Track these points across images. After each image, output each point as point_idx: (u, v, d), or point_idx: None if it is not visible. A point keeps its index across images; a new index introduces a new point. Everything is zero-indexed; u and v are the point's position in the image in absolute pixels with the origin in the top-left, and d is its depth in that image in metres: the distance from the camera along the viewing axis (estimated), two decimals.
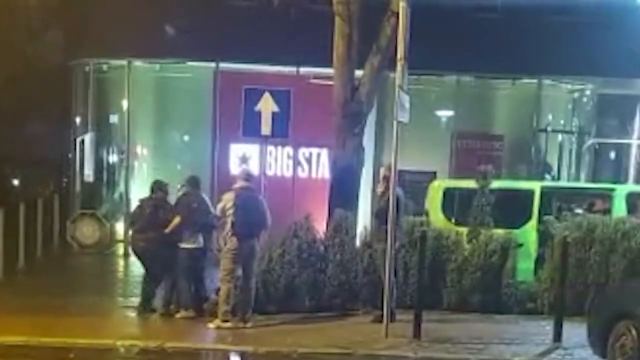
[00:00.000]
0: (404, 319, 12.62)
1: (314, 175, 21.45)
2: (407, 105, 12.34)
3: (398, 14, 12.41)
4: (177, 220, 13.37)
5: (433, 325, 12.73)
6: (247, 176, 13.28)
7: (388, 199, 12.40)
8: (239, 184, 13.09)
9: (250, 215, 12.83)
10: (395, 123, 12.07)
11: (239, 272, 12.94)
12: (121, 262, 19.78)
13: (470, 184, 15.53)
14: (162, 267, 13.63)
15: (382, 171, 13.43)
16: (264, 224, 13.07)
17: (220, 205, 13.00)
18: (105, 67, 22.81)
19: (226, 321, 12.77)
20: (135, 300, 14.16)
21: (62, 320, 12.82)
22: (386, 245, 12.28)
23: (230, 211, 12.75)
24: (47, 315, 13.04)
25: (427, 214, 15.94)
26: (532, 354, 11.66)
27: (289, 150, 21.23)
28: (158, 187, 13.97)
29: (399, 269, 13.63)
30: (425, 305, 12.55)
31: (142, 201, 14.06)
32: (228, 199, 12.88)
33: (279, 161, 21.31)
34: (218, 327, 12.73)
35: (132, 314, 13.80)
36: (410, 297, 13.40)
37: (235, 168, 20.16)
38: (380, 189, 13.35)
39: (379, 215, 13.04)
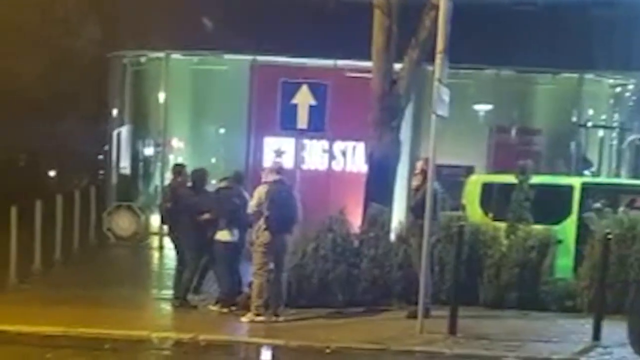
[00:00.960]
0: (439, 315, 12.49)
1: (349, 168, 21.35)
2: (447, 98, 12.20)
3: (438, 6, 12.29)
4: (207, 215, 13.36)
5: (469, 321, 12.54)
6: (279, 169, 13.16)
7: (424, 193, 12.25)
8: (271, 177, 12.97)
9: (283, 210, 12.72)
10: (433, 117, 11.92)
11: (271, 266, 12.85)
12: (156, 254, 19.82)
13: (509, 178, 15.32)
14: (193, 254, 13.63)
15: (418, 165, 13.28)
16: (296, 218, 12.99)
17: (253, 200, 12.87)
18: (142, 59, 22.85)
19: (259, 315, 12.70)
20: (170, 293, 14.12)
21: (97, 311, 12.82)
22: (422, 240, 12.14)
23: (264, 205, 12.64)
24: (83, 306, 13.05)
25: (464, 209, 15.78)
26: (571, 352, 11.44)
27: (324, 143, 21.14)
28: (178, 172, 13.98)
29: (435, 264, 13.49)
30: (461, 301, 12.32)
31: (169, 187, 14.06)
32: (261, 193, 12.76)
33: (314, 155, 21.21)
34: (251, 321, 12.66)
35: (167, 306, 13.79)
36: (446, 292, 13.23)
37: (269, 161, 20.08)
38: (415, 182, 13.21)
39: (415, 209, 12.91)
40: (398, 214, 15.45)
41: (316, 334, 11.98)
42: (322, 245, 13.83)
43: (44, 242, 16.31)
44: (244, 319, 12.76)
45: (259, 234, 12.71)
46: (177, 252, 13.94)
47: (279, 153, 20.36)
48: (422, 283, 12.14)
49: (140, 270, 17.67)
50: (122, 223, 20.99)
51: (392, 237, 14.29)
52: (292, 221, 12.95)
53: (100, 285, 15.07)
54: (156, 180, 22.93)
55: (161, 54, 21.84)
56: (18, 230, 14.91)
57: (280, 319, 12.79)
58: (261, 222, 12.66)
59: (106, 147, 24.52)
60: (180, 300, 13.66)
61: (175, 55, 22.00)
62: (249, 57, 21.24)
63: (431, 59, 12.54)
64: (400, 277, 13.89)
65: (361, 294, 13.91)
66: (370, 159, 15.85)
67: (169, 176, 14.93)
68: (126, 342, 11.49)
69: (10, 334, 11.45)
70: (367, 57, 15.58)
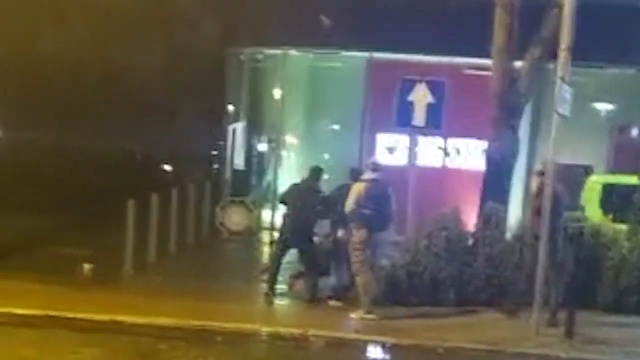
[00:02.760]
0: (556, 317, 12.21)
1: (463, 166, 21.08)
2: (569, 97, 11.92)
3: (562, 4, 12.10)
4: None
5: (587, 325, 12.19)
6: (376, 167, 13.08)
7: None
8: (368, 175, 12.92)
9: (380, 208, 12.67)
10: (555, 116, 11.65)
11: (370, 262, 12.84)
12: (267, 250, 19.89)
13: (631, 179, 14.90)
14: (312, 254, 13.68)
15: (538, 167, 13.12)
16: (392, 216, 12.94)
17: (350, 198, 12.76)
18: (260, 56, 23.01)
19: (370, 312, 12.60)
20: (281, 288, 14.12)
21: (209, 304, 12.92)
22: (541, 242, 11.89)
23: (361, 203, 12.59)
24: (195, 298, 13.15)
25: (583, 210, 15.38)
26: None
27: (439, 141, 20.91)
28: (317, 174, 13.97)
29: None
30: (579, 304, 12.03)
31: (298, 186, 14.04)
32: (359, 190, 12.70)
33: (429, 152, 20.98)
34: (362, 318, 12.57)
35: (278, 301, 13.76)
36: (563, 295, 12.86)
37: (383, 158, 19.98)
38: (536, 184, 13.01)
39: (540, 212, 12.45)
40: (514, 213, 15.14)
41: (428, 333, 11.84)
42: (435, 243, 13.65)
43: (159, 235, 16.52)
44: (354, 316, 12.68)
45: (356, 232, 12.67)
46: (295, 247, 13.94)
47: (392, 150, 20.30)
48: (538, 285, 11.87)
49: (251, 265, 17.73)
50: (235, 218, 21.14)
51: (509, 236, 13.97)
52: (388, 219, 12.91)
53: (212, 279, 15.23)
54: (269, 177, 23.03)
55: (279, 51, 21.95)
56: (135, 223, 15.13)
57: (374, 316, 12.66)
58: (358, 220, 12.62)
59: (221, 143, 24.75)
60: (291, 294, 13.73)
61: (293, 52, 22.08)
62: (366, 54, 21.15)
63: (552, 57, 12.29)
64: (515, 277, 13.55)
65: (474, 293, 13.68)
66: (488, 157, 15.61)
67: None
68: (238, 335, 11.55)
69: (126, 324, 11.63)
70: (486, 55, 15.35)
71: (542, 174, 12.62)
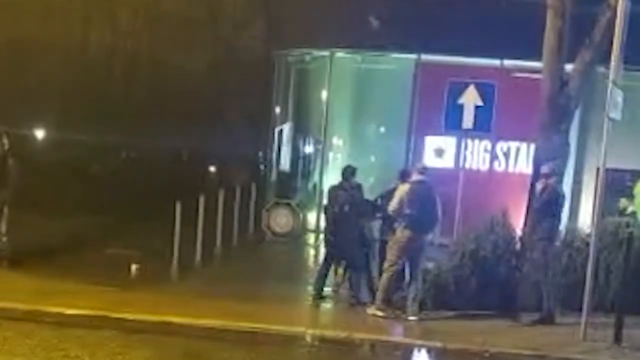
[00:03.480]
0: (604, 322, 12.11)
1: (511, 169, 20.93)
2: (620, 101, 11.83)
3: (614, 7, 12.07)
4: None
5: (636, 331, 12.07)
6: (423, 170, 13.19)
7: (548, 196, 12.78)
8: (415, 177, 13.06)
9: (424, 209, 12.79)
10: (606, 119, 11.54)
11: (401, 264, 12.97)
12: (312, 252, 19.91)
13: None
14: (354, 255, 13.67)
15: (544, 169, 13.30)
16: (437, 218, 13.07)
17: (395, 199, 12.91)
18: (307, 57, 23.00)
19: (381, 310, 12.84)
20: (326, 290, 14.12)
21: (254, 306, 12.95)
22: (545, 244, 12.22)
23: (405, 204, 12.73)
24: (240, 300, 13.20)
25: (634, 215, 15.20)
26: None
27: (486, 143, 20.78)
28: (351, 173, 13.90)
29: (600, 271, 13.02)
30: (628, 309, 11.90)
31: (335, 188, 14.02)
32: (404, 191, 12.84)
33: (476, 155, 20.88)
34: (373, 315, 12.78)
35: (323, 303, 13.81)
36: (611, 300, 12.77)
37: (430, 161, 19.92)
38: (540, 185, 13.20)
39: (538, 211, 13.05)
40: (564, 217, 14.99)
41: (474, 337, 11.80)
42: (483, 247, 13.55)
43: (206, 237, 16.59)
44: (368, 311, 12.90)
45: (398, 232, 12.82)
46: (337, 251, 13.92)
47: (439, 152, 20.22)
48: (587, 289, 11.77)
49: (296, 267, 17.77)
50: (280, 220, 21.13)
51: (557, 241, 13.86)
52: (432, 221, 13.05)
53: (257, 281, 15.30)
54: (315, 178, 23.02)
55: (326, 53, 21.92)
56: (181, 224, 15.22)
57: (414, 317, 12.76)
58: (402, 221, 12.75)
59: (267, 144, 24.81)
60: (356, 298, 13.70)
61: (340, 54, 22.04)
62: (414, 56, 21.08)
63: (603, 61, 12.19)
64: (563, 282, 13.44)
65: (521, 297, 13.55)
66: (537, 161, 15.48)
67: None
68: (283, 338, 11.61)
69: (174, 325, 11.71)
70: (535, 57, 15.21)
71: (547, 176, 13.00)
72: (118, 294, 13.12)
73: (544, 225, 12.78)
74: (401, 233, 12.78)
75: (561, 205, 13.05)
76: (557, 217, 12.98)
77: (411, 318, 12.75)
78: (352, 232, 13.57)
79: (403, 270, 13.22)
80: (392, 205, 12.89)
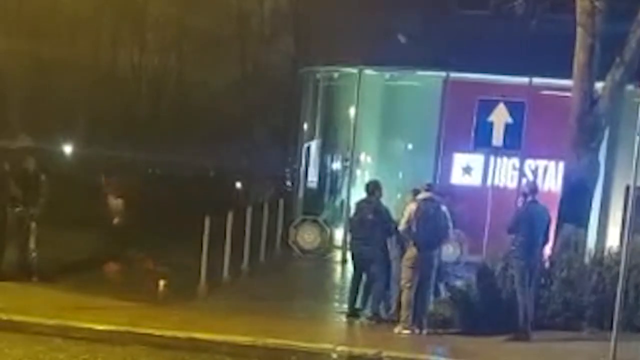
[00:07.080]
0: (634, 341, 12.01)
1: (540, 187, 20.80)
2: None
3: None
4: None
5: None
6: (428, 187, 13.35)
7: (519, 214, 12.87)
8: (421, 195, 13.15)
9: (430, 226, 12.86)
10: (637, 138, 11.44)
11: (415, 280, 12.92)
12: (338, 268, 19.88)
13: None
14: (376, 271, 13.66)
15: (523, 187, 13.60)
16: (445, 235, 13.21)
17: (404, 217, 13.00)
18: (335, 74, 23.02)
19: (406, 328, 12.79)
20: (355, 307, 14.05)
21: (282, 323, 12.97)
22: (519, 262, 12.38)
23: (412, 222, 12.82)
24: (268, 316, 13.20)
25: None
26: None
27: (515, 161, 20.70)
28: (374, 187, 13.91)
29: (630, 289, 12.89)
30: None
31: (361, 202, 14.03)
32: (410, 209, 12.93)
33: (504, 172, 20.79)
34: (399, 333, 12.74)
35: (350, 320, 13.76)
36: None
37: (457, 178, 19.87)
38: (520, 204, 13.26)
39: (511, 229, 12.92)
40: (593, 236, 14.90)
41: (505, 356, 11.78)
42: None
43: (233, 252, 16.60)
44: (395, 330, 12.84)
45: (408, 251, 12.94)
46: (362, 267, 13.90)
47: (467, 170, 20.18)
48: (617, 309, 11.64)
49: (323, 284, 17.75)
50: (308, 236, 21.14)
51: (586, 260, 13.77)
52: (440, 238, 13.16)
53: (284, 297, 15.28)
54: (342, 195, 23.01)
55: (354, 70, 21.93)
56: (209, 240, 15.25)
57: (424, 331, 12.80)
58: (409, 238, 12.91)
59: (295, 161, 24.84)
60: (373, 315, 13.64)
61: (368, 71, 22.04)
62: (442, 74, 21.05)
63: (634, 79, 12.11)
64: (593, 301, 13.32)
65: (550, 317, 13.44)
66: (566, 179, 15.42)
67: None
68: (311, 355, 11.55)
69: (201, 341, 11.68)
70: (564, 76, 15.16)
71: (525, 194, 13.06)
72: (146, 309, 13.17)
73: (516, 243, 12.74)
74: (410, 251, 12.91)
75: (531, 226, 12.74)
76: (530, 236, 12.72)
77: (405, 331, 12.79)
78: (375, 245, 13.61)
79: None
80: (402, 224, 13.04)
